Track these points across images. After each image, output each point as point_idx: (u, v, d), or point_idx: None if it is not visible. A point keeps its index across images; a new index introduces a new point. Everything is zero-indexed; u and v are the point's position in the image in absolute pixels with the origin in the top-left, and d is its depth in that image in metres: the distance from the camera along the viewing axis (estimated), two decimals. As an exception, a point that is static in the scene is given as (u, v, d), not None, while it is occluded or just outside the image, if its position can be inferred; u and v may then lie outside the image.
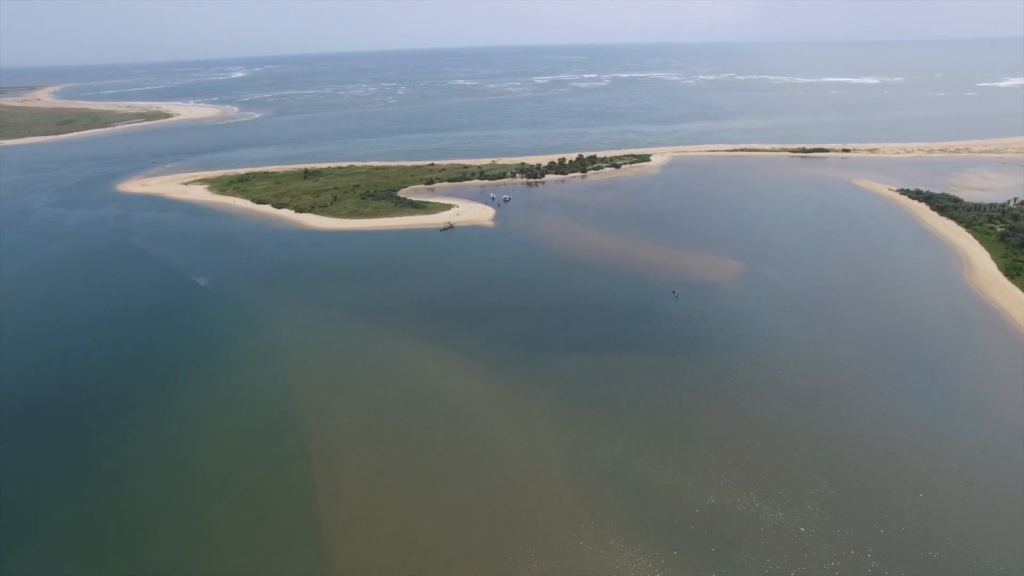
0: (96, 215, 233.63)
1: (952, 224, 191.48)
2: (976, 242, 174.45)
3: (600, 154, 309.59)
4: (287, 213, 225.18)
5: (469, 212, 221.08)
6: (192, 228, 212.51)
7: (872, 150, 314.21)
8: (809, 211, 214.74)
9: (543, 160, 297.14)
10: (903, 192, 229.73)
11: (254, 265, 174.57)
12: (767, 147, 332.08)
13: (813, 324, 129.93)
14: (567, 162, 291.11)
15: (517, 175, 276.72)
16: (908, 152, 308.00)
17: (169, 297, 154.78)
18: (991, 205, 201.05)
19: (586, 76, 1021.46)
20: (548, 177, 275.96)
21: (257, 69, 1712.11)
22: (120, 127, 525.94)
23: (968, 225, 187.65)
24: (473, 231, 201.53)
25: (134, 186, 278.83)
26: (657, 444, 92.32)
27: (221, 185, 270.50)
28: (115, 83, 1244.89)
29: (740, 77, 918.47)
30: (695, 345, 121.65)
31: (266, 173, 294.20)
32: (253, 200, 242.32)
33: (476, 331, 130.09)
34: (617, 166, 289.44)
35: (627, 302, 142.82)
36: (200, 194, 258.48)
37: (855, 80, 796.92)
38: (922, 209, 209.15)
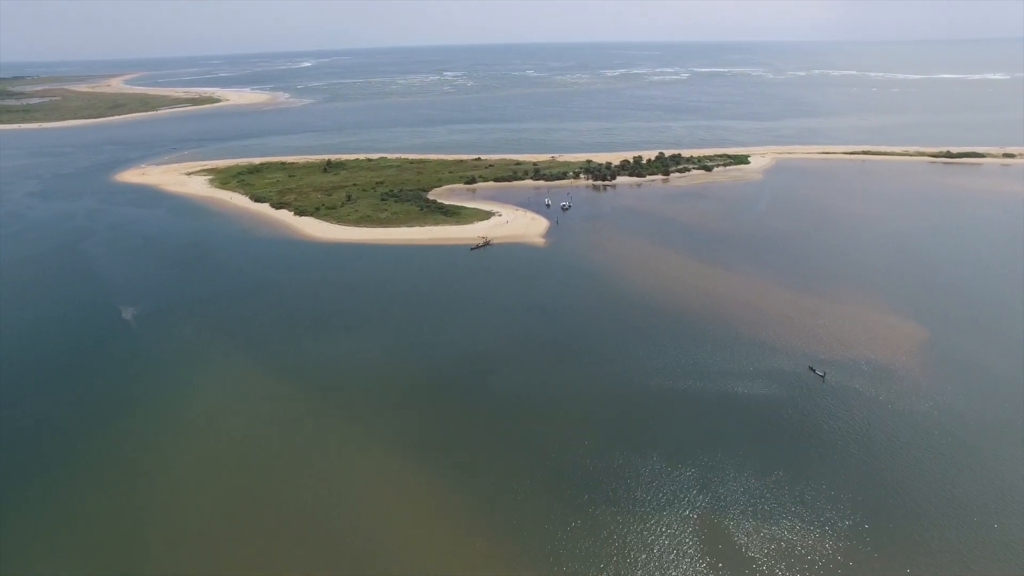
0: (69, 209, 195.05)
1: None
2: None
3: (686, 153, 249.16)
4: (285, 215, 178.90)
5: (514, 223, 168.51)
6: (164, 231, 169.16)
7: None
8: (999, 243, 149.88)
9: (614, 158, 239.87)
10: None
11: (211, 291, 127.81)
12: (897, 150, 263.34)
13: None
14: (645, 161, 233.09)
15: (581, 176, 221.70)
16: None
17: (70, 336, 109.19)
18: None
19: (661, 70, 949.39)
20: (620, 179, 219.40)
21: (325, 60, 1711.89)
22: (164, 111, 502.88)
23: None
24: (516, 251, 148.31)
25: (133, 175, 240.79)
26: None
27: (226, 177, 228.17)
28: (187, 71, 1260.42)
29: (834, 73, 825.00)
30: (884, 506, 64.69)
31: (282, 164, 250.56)
32: (252, 197, 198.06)
33: (496, 447, 77.35)
34: (708, 168, 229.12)
35: (744, 393, 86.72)
36: (197, 187, 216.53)
37: (975, 76, 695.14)
38: None
